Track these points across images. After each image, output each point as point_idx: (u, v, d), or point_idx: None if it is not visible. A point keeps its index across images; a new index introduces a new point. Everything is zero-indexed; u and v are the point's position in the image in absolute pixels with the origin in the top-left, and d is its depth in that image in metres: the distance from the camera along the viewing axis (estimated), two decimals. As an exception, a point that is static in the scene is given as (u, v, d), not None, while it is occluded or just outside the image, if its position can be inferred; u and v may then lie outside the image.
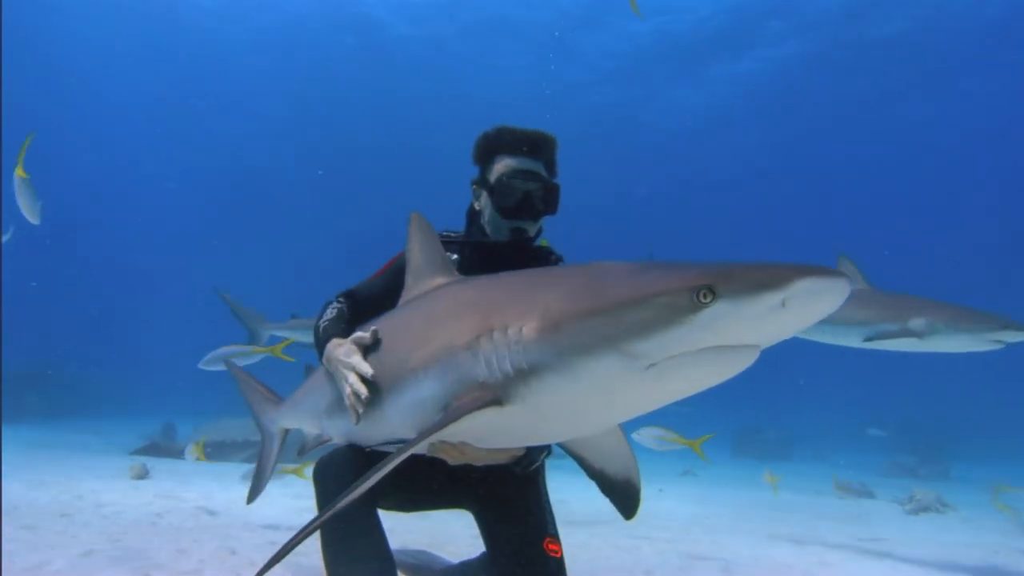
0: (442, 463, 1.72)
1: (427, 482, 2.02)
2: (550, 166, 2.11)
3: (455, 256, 2.05)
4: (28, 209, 4.79)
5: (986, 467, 12.71)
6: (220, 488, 5.45)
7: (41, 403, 11.93)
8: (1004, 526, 6.10)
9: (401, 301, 1.97)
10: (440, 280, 1.88)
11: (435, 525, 4.25)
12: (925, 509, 6.75)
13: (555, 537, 2.04)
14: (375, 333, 1.75)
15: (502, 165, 2.06)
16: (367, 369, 1.66)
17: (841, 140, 23.43)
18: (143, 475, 5.68)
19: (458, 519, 4.27)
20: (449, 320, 1.55)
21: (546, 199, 2.04)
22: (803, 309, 1.12)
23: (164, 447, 8.57)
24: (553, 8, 18.38)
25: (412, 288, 1.94)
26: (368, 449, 1.93)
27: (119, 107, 24.53)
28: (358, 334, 1.77)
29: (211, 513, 4.33)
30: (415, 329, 1.69)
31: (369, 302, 2.09)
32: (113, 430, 10.80)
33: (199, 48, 20.75)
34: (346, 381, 1.69)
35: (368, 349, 1.76)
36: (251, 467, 7.25)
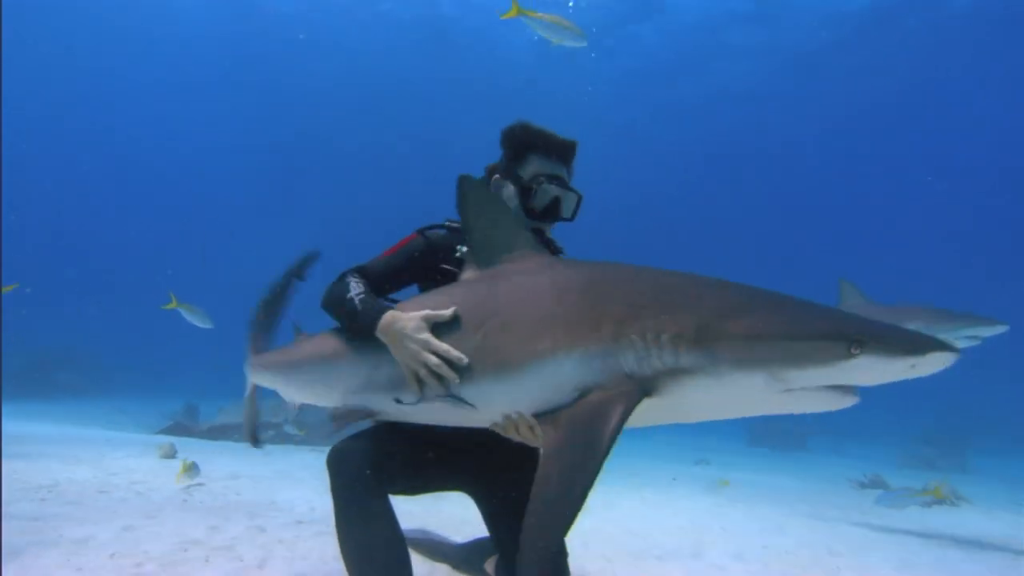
0: (449, 444, 1.76)
1: (436, 465, 2.03)
2: (571, 173, 2.16)
3: (465, 248, 1.94)
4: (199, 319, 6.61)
5: (1005, 460, 12.60)
6: (245, 467, 5.65)
7: (70, 382, 12.38)
8: (1019, 519, 6.10)
9: (467, 273, 1.89)
10: (532, 256, 1.80)
11: (453, 508, 4.40)
12: (938, 501, 6.75)
13: None
14: (456, 311, 1.70)
15: (537, 166, 2.05)
16: (457, 354, 1.63)
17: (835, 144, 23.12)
18: (171, 454, 5.90)
19: (474, 504, 4.41)
20: (585, 305, 1.55)
21: (570, 207, 2.09)
22: (917, 372, 1.34)
23: (187, 427, 8.83)
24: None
25: (490, 259, 1.82)
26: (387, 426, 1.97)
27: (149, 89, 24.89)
28: (428, 312, 1.71)
29: (238, 492, 4.50)
30: (532, 307, 1.62)
31: (381, 281, 2.00)
32: (138, 410, 11.14)
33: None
34: (419, 361, 1.66)
35: (441, 325, 1.70)
36: (274, 447, 7.44)
